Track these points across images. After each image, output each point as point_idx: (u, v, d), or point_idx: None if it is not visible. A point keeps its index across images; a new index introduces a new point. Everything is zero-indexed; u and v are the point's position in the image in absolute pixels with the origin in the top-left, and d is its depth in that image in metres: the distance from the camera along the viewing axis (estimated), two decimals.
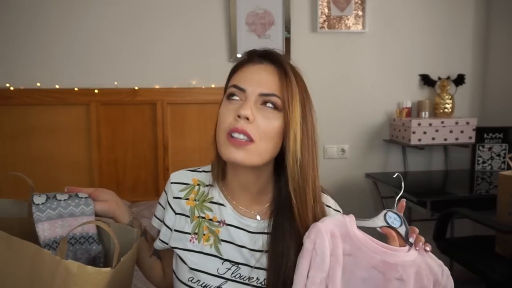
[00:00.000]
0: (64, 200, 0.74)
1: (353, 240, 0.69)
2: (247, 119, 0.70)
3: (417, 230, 0.73)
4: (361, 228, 0.73)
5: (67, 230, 0.72)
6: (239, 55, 2.40)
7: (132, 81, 2.34)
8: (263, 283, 0.76)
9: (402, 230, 0.73)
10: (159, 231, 0.87)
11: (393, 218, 0.73)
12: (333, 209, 0.85)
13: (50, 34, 2.29)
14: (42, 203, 0.73)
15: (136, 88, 2.33)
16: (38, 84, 2.29)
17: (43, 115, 2.28)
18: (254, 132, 0.71)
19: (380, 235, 0.75)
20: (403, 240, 0.73)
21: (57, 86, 2.29)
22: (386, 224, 0.73)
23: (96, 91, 2.29)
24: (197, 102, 2.37)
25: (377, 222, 0.73)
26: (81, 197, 0.76)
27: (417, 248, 0.72)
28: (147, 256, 0.88)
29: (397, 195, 0.77)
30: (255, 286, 0.76)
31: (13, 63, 2.28)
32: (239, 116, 0.71)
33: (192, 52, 2.40)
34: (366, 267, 0.68)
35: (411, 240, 0.73)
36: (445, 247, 1.96)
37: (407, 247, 0.72)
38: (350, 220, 0.72)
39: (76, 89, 2.29)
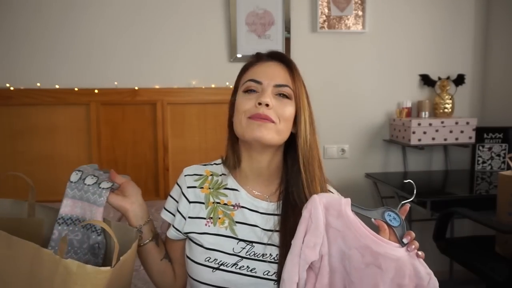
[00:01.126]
0: (88, 185, 0.80)
1: (343, 219, 0.74)
2: (267, 105, 0.81)
3: (413, 235, 0.75)
4: (357, 214, 0.76)
5: (81, 213, 0.79)
6: (239, 55, 2.40)
7: (132, 81, 2.34)
8: (275, 258, 0.82)
9: (399, 231, 0.75)
10: (169, 224, 0.90)
11: (392, 217, 0.76)
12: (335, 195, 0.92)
13: (50, 34, 2.30)
14: (74, 182, 0.80)
15: (136, 88, 2.33)
16: (38, 84, 2.29)
17: (43, 115, 2.28)
18: (273, 115, 0.81)
19: (375, 228, 0.76)
20: (397, 239, 0.74)
21: (57, 86, 2.30)
22: (383, 220, 0.76)
23: (96, 91, 2.29)
24: (197, 102, 2.37)
25: (374, 214, 0.76)
26: (101, 188, 0.80)
27: (408, 249, 0.73)
28: (158, 259, 0.90)
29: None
30: (269, 261, 0.82)
31: (13, 63, 2.28)
32: (259, 104, 0.81)
33: (192, 52, 2.40)
34: (350, 246, 0.73)
35: (405, 241, 0.74)
36: (445, 247, 1.96)
37: (397, 244, 0.74)
38: (345, 201, 0.76)
39: (76, 89, 2.29)
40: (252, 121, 0.81)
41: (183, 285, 0.95)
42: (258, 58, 0.89)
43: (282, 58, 0.88)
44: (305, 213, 0.75)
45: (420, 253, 0.74)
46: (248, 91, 0.84)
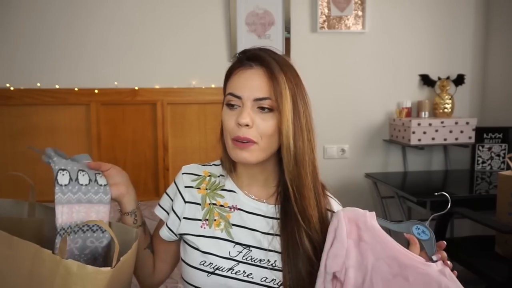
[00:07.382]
0: (85, 185, 0.74)
1: (369, 230, 0.74)
2: (247, 125, 0.77)
3: (445, 254, 0.74)
4: (382, 227, 0.76)
5: (82, 217, 0.73)
6: None
7: (132, 81, 2.34)
8: (274, 264, 0.80)
9: (428, 245, 0.74)
10: (160, 220, 0.90)
11: (421, 230, 0.75)
12: (335, 202, 0.90)
13: (50, 34, 2.30)
14: (65, 185, 0.72)
15: (136, 88, 2.33)
16: (38, 84, 2.29)
17: (43, 115, 2.28)
18: (255, 135, 0.78)
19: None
20: (426, 254, 0.74)
21: (57, 86, 2.30)
22: (411, 232, 0.75)
23: (96, 91, 2.29)
24: (197, 102, 2.37)
25: (402, 227, 0.76)
26: (101, 185, 0.76)
27: (436, 260, 0.73)
28: (142, 248, 0.89)
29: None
30: (266, 267, 0.80)
31: (13, 63, 2.28)
32: (239, 124, 0.77)
33: (192, 52, 2.40)
34: (377, 257, 0.73)
35: (435, 258, 0.74)
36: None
37: (426, 260, 0.73)
38: (370, 214, 0.76)
39: (76, 89, 2.29)
40: (234, 146, 0.79)
41: (160, 281, 0.94)
42: (240, 61, 0.82)
43: (262, 62, 0.79)
44: (330, 228, 0.76)
45: (449, 262, 0.73)
46: (229, 105, 0.81)
